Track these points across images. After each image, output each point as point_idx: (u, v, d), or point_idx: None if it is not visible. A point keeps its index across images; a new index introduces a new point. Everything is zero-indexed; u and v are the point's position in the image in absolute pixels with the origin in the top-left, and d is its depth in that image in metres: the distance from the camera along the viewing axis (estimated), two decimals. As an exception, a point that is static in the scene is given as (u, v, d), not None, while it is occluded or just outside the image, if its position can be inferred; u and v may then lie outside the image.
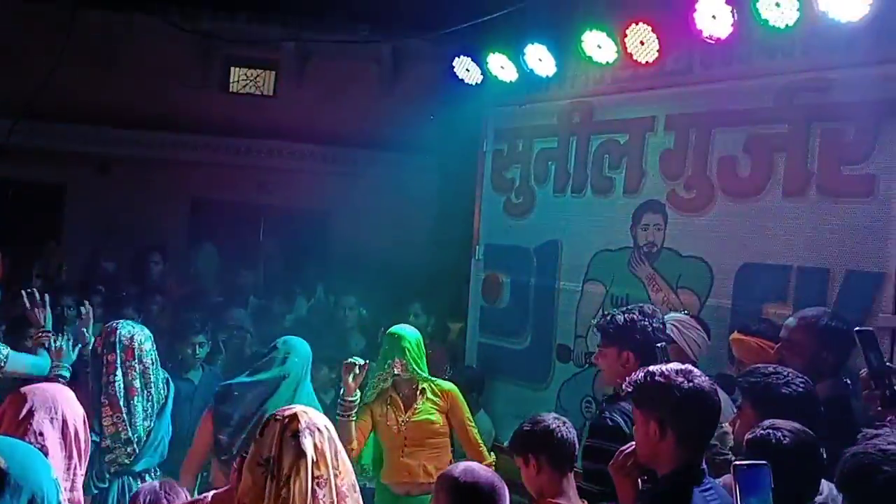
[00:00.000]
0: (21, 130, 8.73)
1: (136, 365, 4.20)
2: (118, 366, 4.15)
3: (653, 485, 2.67)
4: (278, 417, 2.41)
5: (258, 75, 10.02)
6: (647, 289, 5.22)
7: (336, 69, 9.45)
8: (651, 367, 2.76)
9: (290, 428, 2.35)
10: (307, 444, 2.33)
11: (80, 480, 2.69)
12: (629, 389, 2.78)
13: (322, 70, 9.60)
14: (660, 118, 5.23)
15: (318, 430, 2.38)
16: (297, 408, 2.46)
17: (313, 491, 2.30)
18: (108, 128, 9.32)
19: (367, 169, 9.38)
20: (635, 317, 3.70)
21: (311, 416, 2.42)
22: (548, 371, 5.87)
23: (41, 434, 2.58)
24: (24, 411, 2.60)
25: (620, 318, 3.71)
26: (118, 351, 4.18)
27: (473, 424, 4.80)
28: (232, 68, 10.02)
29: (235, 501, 2.38)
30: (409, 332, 4.77)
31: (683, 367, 2.75)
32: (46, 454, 2.53)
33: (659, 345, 3.45)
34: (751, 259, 4.67)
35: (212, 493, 2.66)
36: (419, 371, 4.66)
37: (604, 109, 5.65)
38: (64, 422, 2.65)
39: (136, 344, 4.22)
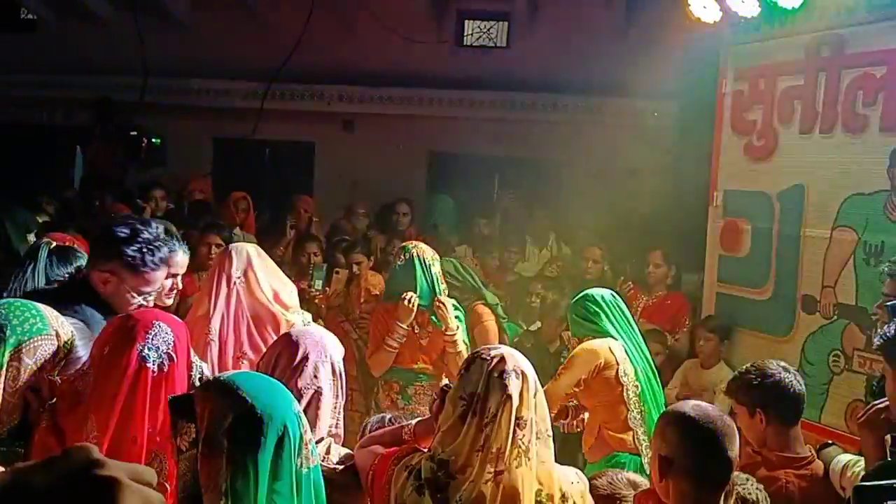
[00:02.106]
0: (274, 93, 9.40)
1: None
2: None
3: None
4: (485, 357, 2.46)
5: (491, 27, 10.08)
6: (905, 235, 4.79)
7: (567, 16, 9.33)
8: None
9: (497, 368, 2.40)
10: (513, 386, 2.37)
11: (342, 417, 2.86)
12: (878, 342, 2.59)
13: (553, 18, 9.51)
14: (922, 47, 4.74)
15: (524, 373, 2.42)
16: (504, 349, 2.50)
17: (514, 431, 2.34)
18: (351, 87, 9.78)
19: (602, 116, 9.21)
20: None
21: (517, 359, 2.46)
22: (792, 322, 5.56)
23: (315, 377, 2.73)
24: (299, 356, 2.75)
25: None
26: None
27: None
28: (466, 21, 10.16)
29: (435, 429, 2.48)
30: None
31: None
32: (321, 394, 2.71)
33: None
34: None
35: (417, 419, 2.79)
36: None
37: (857, 41, 5.19)
38: (332, 363, 2.80)
39: None
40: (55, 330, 2.68)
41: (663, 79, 7.39)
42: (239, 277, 3.92)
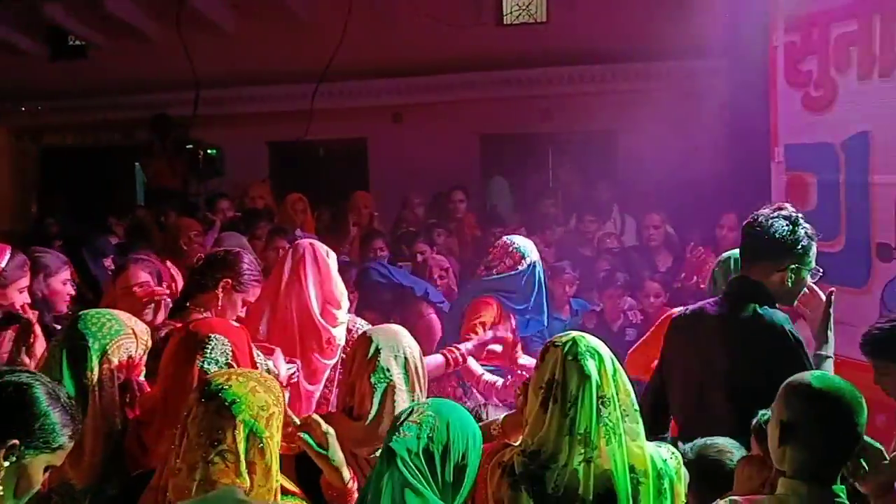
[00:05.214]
0: (323, 93, 9.48)
1: None
2: None
3: None
4: (557, 343, 2.49)
5: (530, 2, 10.02)
6: (979, 174, 4.67)
7: (606, -17, 9.22)
8: None
9: (571, 352, 2.44)
10: (590, 366, 2.39)
11: None
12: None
13: (593, -14, 9.41)
14: (982, -22, 4.60)
15: (598, 352, 2.44)
16: (574, 333, 2.54)
17: (598, 409, 2.37)
18: (396, 78, 9.82)
19: (651, 82, 9.11)
20: None
21: (588, 340, 2.50)
22: (867, 272, 5.46)
23: (388, 370, 2.86)
24: (371, 350, 2.89)
25: None
26: None
27: None
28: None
29: (523, 421, 2.52)
30: None
31: None
32: (395, 388, 2.84)
33: None
34: None
35: (505, 414, 2.87)
36: None
37: (911, -21, 5.06)
38: (406, 357, 2.91)
39: None
40: (131, 328, 2.90)
41: (710, 37, 7.28)
42: (289, 278, 3.83)
